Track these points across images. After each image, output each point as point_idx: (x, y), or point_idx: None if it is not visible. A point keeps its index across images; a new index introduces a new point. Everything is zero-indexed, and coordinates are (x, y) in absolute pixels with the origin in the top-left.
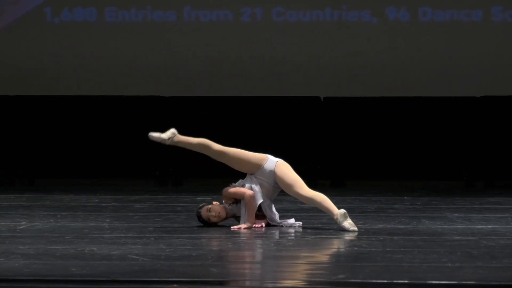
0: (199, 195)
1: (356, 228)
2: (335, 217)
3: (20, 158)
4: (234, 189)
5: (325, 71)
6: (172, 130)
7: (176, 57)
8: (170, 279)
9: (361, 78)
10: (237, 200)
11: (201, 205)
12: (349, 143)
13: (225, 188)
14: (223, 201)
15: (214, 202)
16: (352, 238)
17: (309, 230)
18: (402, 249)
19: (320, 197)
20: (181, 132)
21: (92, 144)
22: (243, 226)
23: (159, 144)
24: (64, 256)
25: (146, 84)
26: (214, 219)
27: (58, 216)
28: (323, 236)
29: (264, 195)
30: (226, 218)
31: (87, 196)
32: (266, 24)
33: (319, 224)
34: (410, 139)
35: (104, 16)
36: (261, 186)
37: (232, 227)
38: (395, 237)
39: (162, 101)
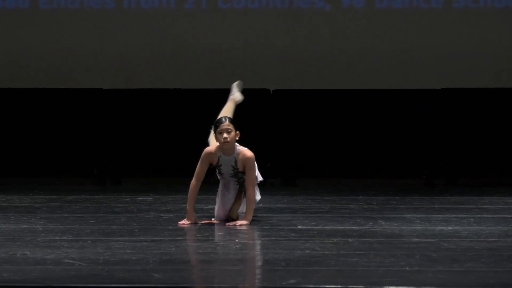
0: (139, 195)
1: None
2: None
3: None
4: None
5: (275, 62)
6: None
7: (115, 46)
8: (109, 285)
9: (313, 70)
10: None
11: None
12: (300, 139)
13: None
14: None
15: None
16: (304, 240)
17: (257, 232)
18: (357, 252)
19: None
20: (118, 126)
21: (24, 140)
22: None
23: (97, 140)
24: None
25: (83, 76)
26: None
27: None
28: (273, 239)
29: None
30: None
31: (19, 196)
32: (211, 11)
33: (268, 225)
34: (365, 134)
35: (38, 2)
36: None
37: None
38: (350, 239)
39: (100, 93)
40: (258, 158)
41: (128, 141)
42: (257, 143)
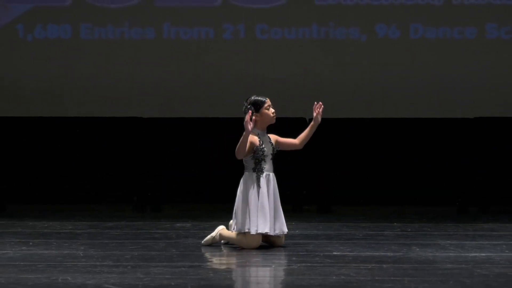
0: (178, 222)
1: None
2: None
3: None
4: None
5: (311, 91)
6: (219, 227)
7: (155, 76)
8: None
9: (349, 99)
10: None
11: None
12: (336, 166)
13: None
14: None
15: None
16: (340, 266)
17: (293, 258)
18: (392, 278)
19: None
20: (157, 153)
21: (66, 168)
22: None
23: (137, 167)
24: (36, 286)
25: (123, 105)
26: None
27: (30, 243)
28: (308, 264)
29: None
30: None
31: (61, 223)
32: (249, 41)
33: (304, 251)
34: (399, 162)
35: (79, 33)
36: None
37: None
38: (385, 265)
39: (140, 122)
40: (294, 185)
41: (167, 168)
42: (293, 170)
